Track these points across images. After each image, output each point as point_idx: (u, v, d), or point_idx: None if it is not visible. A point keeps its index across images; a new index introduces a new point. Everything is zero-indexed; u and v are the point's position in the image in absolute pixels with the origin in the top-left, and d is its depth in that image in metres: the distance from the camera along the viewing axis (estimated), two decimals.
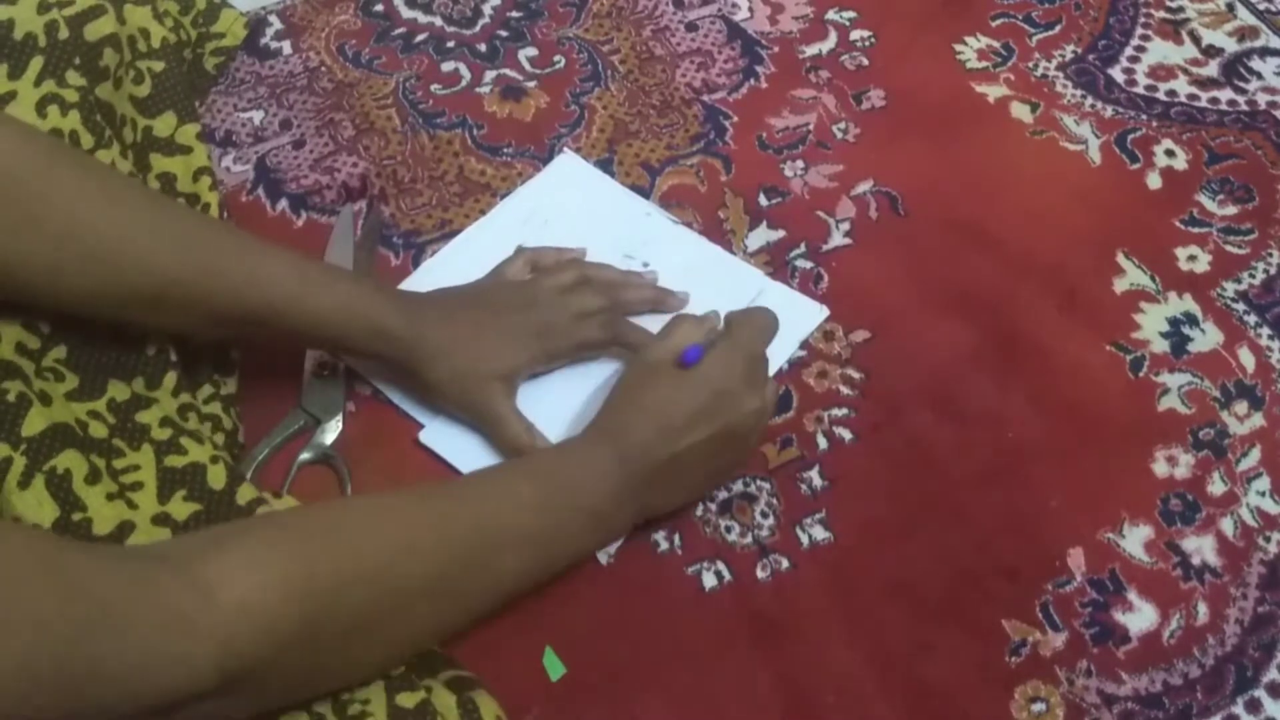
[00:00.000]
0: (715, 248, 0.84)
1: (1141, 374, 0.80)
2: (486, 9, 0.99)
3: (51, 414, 0.62)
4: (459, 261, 0.82)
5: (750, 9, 1.00)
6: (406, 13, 0.98)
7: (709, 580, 0.70)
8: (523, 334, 0.73)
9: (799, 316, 0.81)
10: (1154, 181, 0.90)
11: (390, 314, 0.69)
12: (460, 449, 0.74)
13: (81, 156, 0.67)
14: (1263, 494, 0.75)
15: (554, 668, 0.66)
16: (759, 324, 0.71)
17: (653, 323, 0.77)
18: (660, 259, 0.82)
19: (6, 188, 0.58)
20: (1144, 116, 0.94)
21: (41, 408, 0.61)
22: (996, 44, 0.98)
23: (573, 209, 0.85)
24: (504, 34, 0.97)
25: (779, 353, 0.79)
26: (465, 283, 0.78)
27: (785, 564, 0.71)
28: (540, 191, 0.87)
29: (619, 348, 0.76)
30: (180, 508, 0.64)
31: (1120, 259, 0.85)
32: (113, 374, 0.67)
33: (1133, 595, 0.71)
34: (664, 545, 0.72)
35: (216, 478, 0.65)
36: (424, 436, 0.74)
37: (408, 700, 0.58)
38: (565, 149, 0.89)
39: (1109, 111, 0.94)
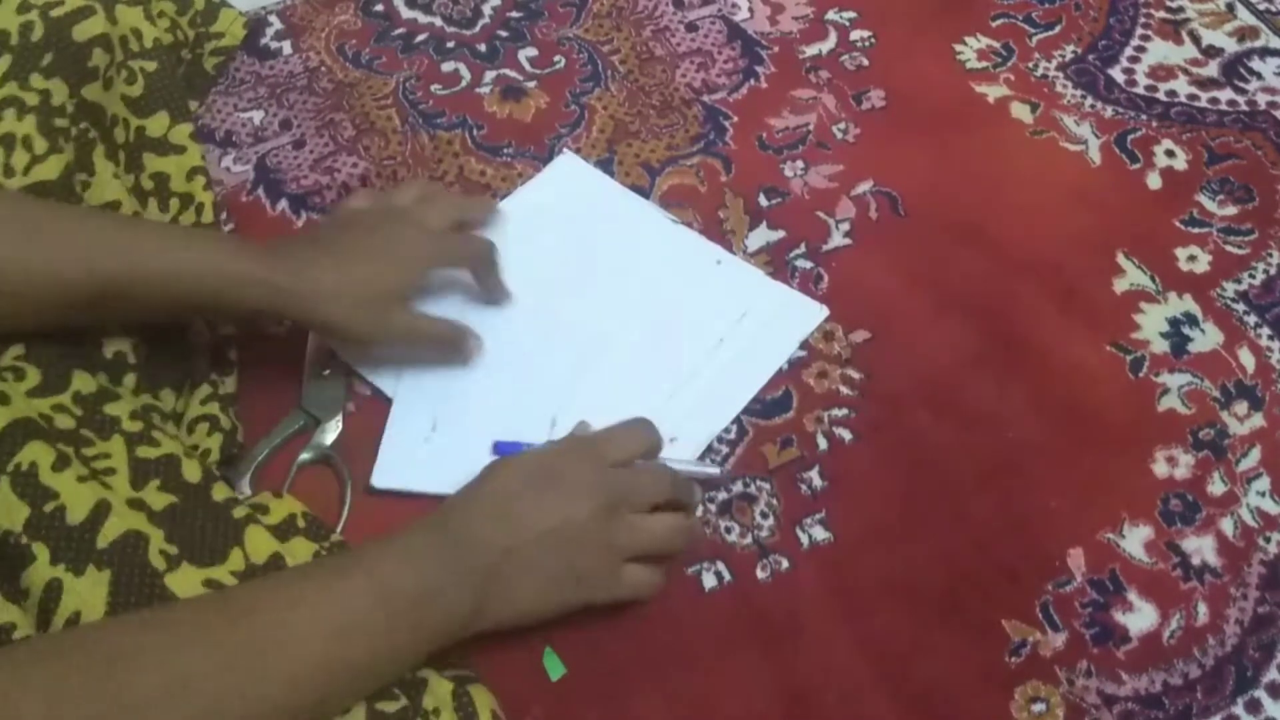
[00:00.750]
0: (715, 247, 0.84)
1: (1141, 374, 0.80)
2: (486, 9, 0.99)
3: (11, 412, 0.60)
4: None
5: (750, 9, 1.00)
6: (406, 13, 0.98)
7: (709, 580, 0.70)
8: (391, 250, 0.72)
9: (799, 316, 0.81)
10: (1154, 181, 0.90)
11: (268, 267, 0.66)
12: (416, 472, 0.73)
13: None
14: (1263, 494, 0.75)
15: (554, 668, 0.66)
16: (632, 434, 0.68)
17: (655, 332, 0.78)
18: (660, 259, 0.82)
19: None
20: (1144, 116, 0.94)
21: (0, 408, 0.60)
22: (996, 44, 0.98)
23: (572, 209, 0.85)
24: (504, 34, 0.97)
25: (779, 353, 0.79)
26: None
27: (785, 564, 0.71)
28: (540, 191, 0.87)
29: (474, 263, 0.77)
30: (156, 497, 0.62)
31: (1120, 259, 0.85)
32: (76, 365, 0.65)
33: (1133, 595, 0.71)
34: None
35: (192, 471, 0.64)
36: (376, 482, 0.73)
37: (389, 706, 0.57)
38: (565, 149, 0.89)
39: (1109, 111, 0.94)
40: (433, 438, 0.74)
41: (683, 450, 0.74)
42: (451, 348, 0.75)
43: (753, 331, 0.79)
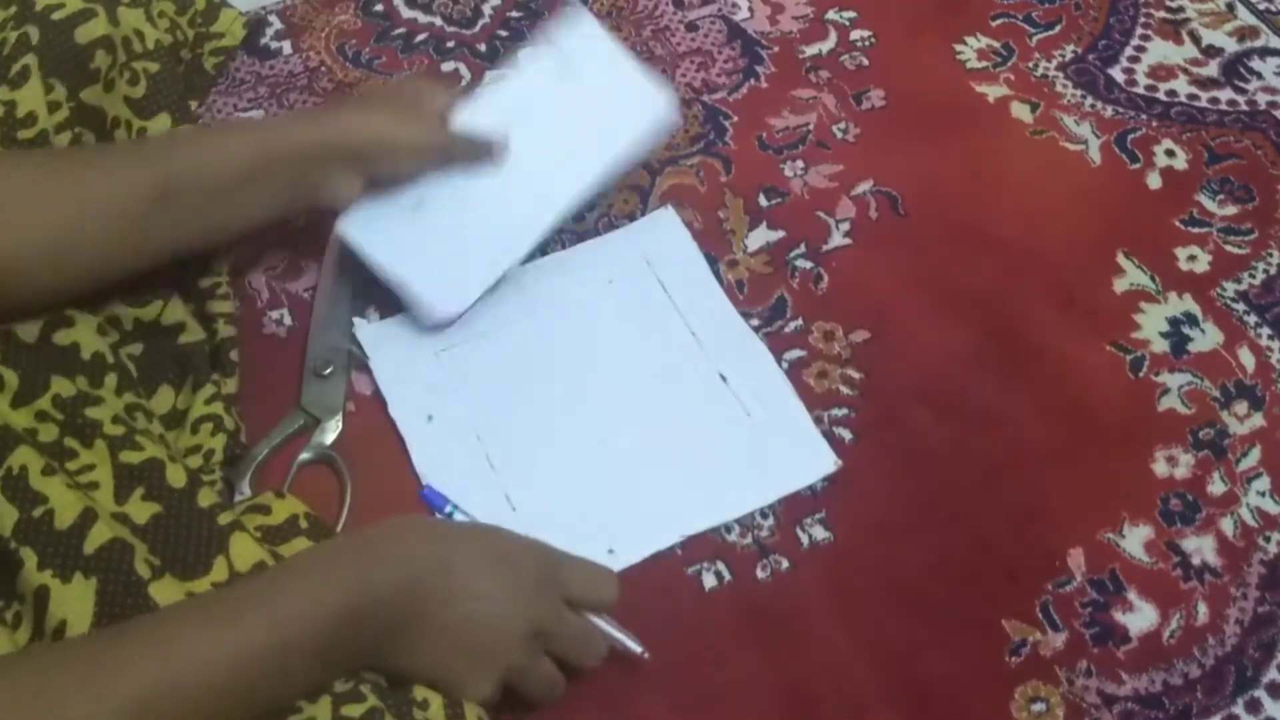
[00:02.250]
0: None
1: (1141, 374, 0.80)
2: (486, 9, 0.99)
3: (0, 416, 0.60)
4: (522, 280, 0.82)
5: (750, 9, 1.00)
6: (406, 13, 0.98)
7: (709, 580, 0.70)
8: (403, 110, 0.77)
9: (810, 461, 0.75)
10: (1154, 181, 0.90)
11: (313, 115, 0.79)
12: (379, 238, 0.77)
13: None
14: (1263, 494, 0.75)
15: None
16: (599, 582, 0.64)
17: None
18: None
19: None
20: (1144, 116, 0.94)
21: None
22: (996, 44, 0.98)
23: (657, 269, 0.83)
24: (504, 34, 0.97)
25: (778, 489, 0.74)
26: None
27: (785, 564, 0.71)
28: (630, 242, 0.84)
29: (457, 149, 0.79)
30: (139, 508, 0.62)
31: (1120, 259, 0.85)
32: (54, 369, 0.65)
33: (1133, 595, 0.71)
34: None
35: (176, 476, 0.64)
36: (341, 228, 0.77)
37: (353, 710, 0.55)
38: (667, 205, 0.86)
39: (1109, 111, 0.94)
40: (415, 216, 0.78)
41: (619, 559, 0.70)
42: (484, 155, 0.78)
43: (746, 464, 0.75)
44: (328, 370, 0.76)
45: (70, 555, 0.58)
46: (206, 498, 0.64)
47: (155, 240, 0.68)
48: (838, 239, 0.86)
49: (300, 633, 0.54)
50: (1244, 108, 0.95)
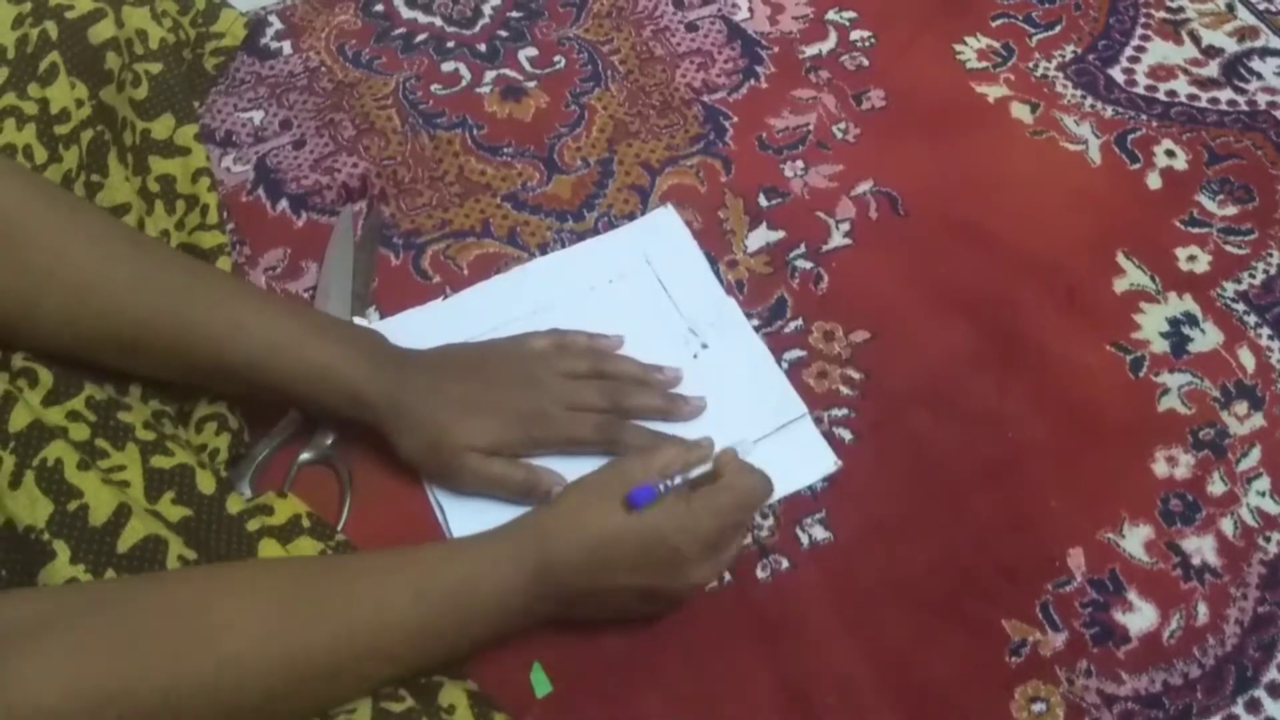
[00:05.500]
0: (772, 360, 0.79)
1: (1141, 374, 0.80)
2: (486, 9, 0.99)
3: (32, 413, 0.61)
4: (525, 282, 0.82)
5: (750, 9, 1.00)
6: (406, 13, 0.98)
7: None
8: (513, 414, 0.70)
9: (811, 461, 0.75)
10: (1154, 181, 0.90)
11: (368, 379, 0.67)
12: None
13: (64, 194, 0.67)
14: (1263, 494, 0.75)
15: (540, 685, 0.66)
16: (750, 489, 0.65)
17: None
18: (720, 347, 0.79)
19: None
20: (1144, 116, 0.94)
21: (24, 405, 0.60)
22: (996, 44, 0.98)
23: (657, 267, 0.83)
24: (504, 34, 0.97)
25: (778, 489, 0.71)
26: (488, 339, 0.76)
27: (785, 564, 0.71)
28: (630, 242, 0.84)
29: (609, 450, 0.72)
30: (171, 510, 0.62)
31: (1120, 259, 0.85)
32: (86, 374, 0.65)
33: (1133, 595, 0.71)
34: None
35: (206, 483, 0.64)
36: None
37: (394, 706, 0.57)
38: (667, 204, 0.87)
39: (1109, 111, 0.94)
40: None
41: None
42: (529, 494, 0.71)
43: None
44: None
45: (104, 553, 0.58)
46: (234, 505, 0.65)
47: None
48: (838, 239, 0.86)
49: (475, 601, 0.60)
50: (1244, 108, 0.95)
